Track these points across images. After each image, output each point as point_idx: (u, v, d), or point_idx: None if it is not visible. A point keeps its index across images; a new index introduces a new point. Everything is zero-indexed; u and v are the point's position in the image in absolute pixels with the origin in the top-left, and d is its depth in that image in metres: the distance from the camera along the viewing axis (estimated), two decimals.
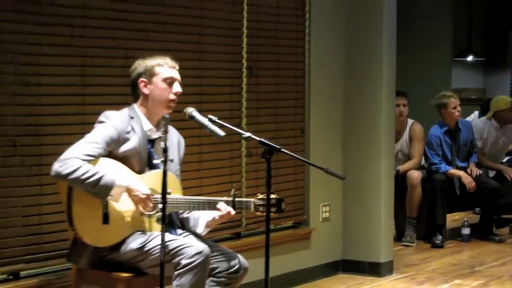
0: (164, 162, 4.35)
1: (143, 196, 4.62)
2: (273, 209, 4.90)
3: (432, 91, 10.84)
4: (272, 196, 4.86)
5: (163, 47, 5.81)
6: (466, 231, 9.43)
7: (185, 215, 5.05)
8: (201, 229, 4.98)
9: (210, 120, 4.75)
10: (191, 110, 4.77)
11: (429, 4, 12.14)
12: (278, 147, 4.65)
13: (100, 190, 4.56)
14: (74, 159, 4.55)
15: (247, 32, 6.75)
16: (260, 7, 6.87)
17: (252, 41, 6.83)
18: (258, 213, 5.13)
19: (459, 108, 9.48)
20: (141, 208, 4.69)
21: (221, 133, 4.68)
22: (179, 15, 6.22)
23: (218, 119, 4.80)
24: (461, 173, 9.30)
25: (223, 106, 6.51)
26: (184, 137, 5.24)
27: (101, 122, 4.78)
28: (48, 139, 5.27)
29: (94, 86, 5.60)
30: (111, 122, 4.77)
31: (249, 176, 6.75)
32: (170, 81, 4.84)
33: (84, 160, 4.57)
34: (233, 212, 4.91)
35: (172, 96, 4.85)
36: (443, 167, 9.33)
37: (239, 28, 6.73)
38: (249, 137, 4.83)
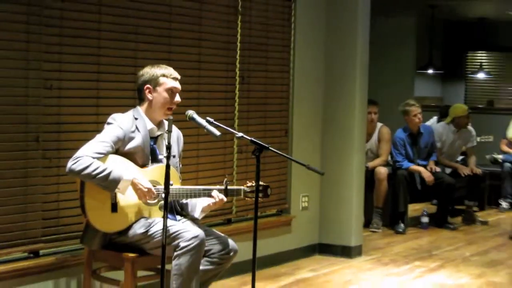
0: (167, 157, 4.29)
1: (145, 190, 4.62)
2: (261, 195, 4.85)
3: (398, 98, 10.84)
4: (262, 183, 4.87)
5: (168, 57, 5.85)
6: (425, 219, 9.49)
7: (183, 201, 5.02)
8: (197, 214, 4.97)
9: (208, 121, 4.77)
10: (191, 113, 4.77)
11: (396, 26, 12.13)
12: (266, 145, 4.67)
13: (109, 184, 4.55)
14: (85, 157, 4.54)
15: (240, 45, 6.74)
16: (252, 24, 6.86)
17: (244, 53, 6.82)
18: (247, 198, 5.12)
19: (419, 116, 9.52)
20: (144, 199, 4.69)
21: (217, 132, 4.70)
22: (182, 30, 6.21)
23: (214, 120, 4.79)
24: (421, 169, 9.35)
25: (219, 109, 6.51)
26: (184, 136, 5.25)
27: (109, 123, 4.78)
28: (66, 135, 5.31)
29: (107, 90, 5.62)
30: (118, 123, 4.76)
31: (240, 170, 6.76)
32: (172, 91, 4.83)
33: (94, 157, 4.56)
34: (225, 199, 4.92)
35: (171, 105, 4.87)
36: (405, 164, 9.38)
37: (233, 42, 6.72)
38: (242, 136, 4.89)
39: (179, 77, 4.96)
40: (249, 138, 4.84)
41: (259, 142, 4.76)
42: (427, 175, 9.29)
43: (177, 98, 4.90)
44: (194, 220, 5.00)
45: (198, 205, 5.03)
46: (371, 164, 9.19)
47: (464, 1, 12.41)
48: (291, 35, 7.38)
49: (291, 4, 7.36)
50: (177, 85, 4.92)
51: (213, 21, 6.55)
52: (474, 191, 10.26)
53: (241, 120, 6.80)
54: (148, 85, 4.85)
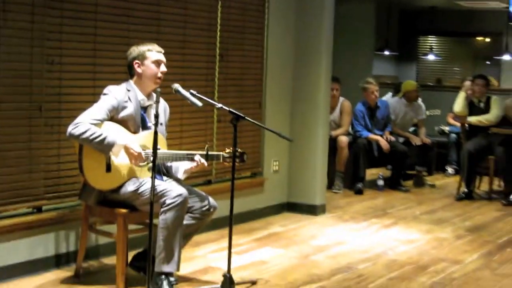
0: (155, 125, 4.32)
1: (136, 154, 4.66)
2: (237, 160, 4.93)
3: (358, 76, 10.83)
4: (239, 149, 4.93)
5: (156, 38, 5.83)
6: (380, 182, 9.56)
7: (168, 164, 5.08)
8: (180, 175, 5.06)
9: (191, 93, 4.82)
10: (177, 86, 4.82)
11: (357, 12, 12.14)
12: (242, 115, 4.76)
13: (104, 147, 4.61)
14: (84, 123, 4.59)
15: (220, 27, 6.75)
16: (230, 9, 6.85)
17: (223, 35, 6.83)
18: (225, 163, 5.18)
19: (376, 93, 9.61)
20: (134, 162, 4.74)
21: (199, 103, 4.76)
22: (169, 13, 6.21)
23: (197, 93, 4.84)
24: (378, 138, 9.45)
25: (201, 84, 6.49)
26: (170, 107, 5.32)
27: (105, 94, 4.84)
28: (66, 105, 5.35)
29: (102, 66, 5.63)
30: (113, 94, 4.82)
31: (219, 137, 6.78)
32: (157, 63, 4.88)
33: (91, 123, 4.62)
34: (206, 163, 4.97)
35: (159, 74, 4.90)
36: (365, 133, 9.47)
37: (214, 24, 6.73)
38: (221, 107, 4.96)
39: (162, 50, 5.01)
40: (228, 108, 4.90)
41: (236, 112, 4.85)
42: (383, 143, 9.37)
43: (163, 68, 4.95)
44: (178, 181, 5.05)
45: (180, 168, 5.11)
46: (334, 133, 9.22)
47: None
48: (265, 19, 7.36)
49: None
50: (162, 57, 4.98)
51: (197, 5, 6.54)
52: (424, 158, 10.35)
53: (220, 94, 6.82)
54: (136, 60, 4.89)
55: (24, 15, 5.09)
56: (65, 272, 5.23)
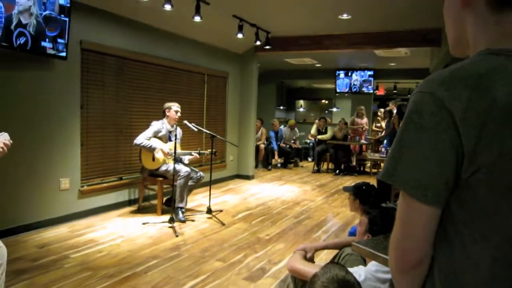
0: (175, 139, 4.55)
1: (166, 152, 4.77)
2: (214, 155, 5.06)
3: (269, 116, 11.25)
4: (214, 150, 5.01)
5: (176, 100, 5.87)
6: (279, 165, 9.78)
7: (181, 156, 5.12)
8: (186, 162, 5.13)
9: (193, 125, 4.85)
10: (186, 121, 4.87)
11: (269, 88, 12.78)
12: (215, 135, 4.90)
13: (151, 149, 4.72)
14: (141, 138, 4.72)
15: (206, 94, 6.75)
16: (211, 84, 6.88)
17: (208, 97, 6.83)
18: (207, 156, 5.30)
19: (277, 125, 9.81)
20: (165, 156, 4.84)
21: (195, 129, 4.82)
22: (182, 87, 6.21)
23: (195, 124, 4.90)
24: (280, 145, 9.67)
25: (196, 120, 6.53)
26: (182, 130, 5.33)
27: (151, 125, 4.90)
28: (133, 130, 5.32)
29: (151, 112, 5.64)
30: (155, 125, 4.90)
31: (205, 145, 6.84)
32: (176, 112, 4.97)
33: (146, 139, 4.73)
34: (198, 156, 5.06)
35: (176, 117, 4.98)
36: (273, 144, 9.69)
37: (203, 92, 6.75)
38: (205, 131, 5.03)
39: (179, 106, 5.01)
40: (209, 132, 5.01)
41: (213, 133, 4.98)
42: (281, 148, 9.68)
43: (179, 114, 4.95)
44: (185, 164, 5.08)
45: (186, 158, 5.14)
46: (258, 143, 9.33)
47: (291, 80, 12.80)
48: (226, 88, 7.46)
49: (226, 80, 7.40)
50: (178, 109, 4.95)
51: (196, 83, 6.58)
52: (301, 152, 10.62)
53: (206, 125, 6.87)
54: (166, 109, 4.96)
55: (112, 87, 5.10)
56: (133, 208, 5.32)
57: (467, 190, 0.74)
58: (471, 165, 0.73)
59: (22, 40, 3.73)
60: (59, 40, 4.08)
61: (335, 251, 2.29)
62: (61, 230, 4.32)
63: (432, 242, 0.79)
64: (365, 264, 1.86)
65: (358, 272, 1.62)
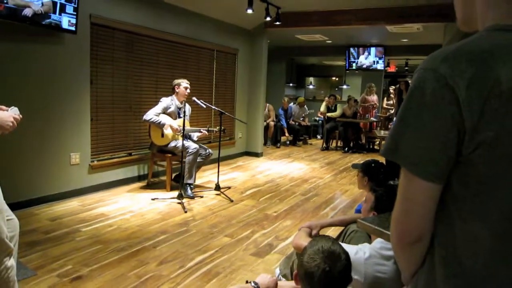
0: (184, 116, 4.56)
1: (175, 128, 4.77)
2: (222, 132, 5.07)
3: (278, 94, 11.35)
4: (223, 127, 5.05)
5: (185, 75, 5.87)
6: (287, 142, 9.85)
7: (190, 133, 5.15)
8: (195, 138, 5.14)
9: (201, 101, 4.91)
10: (194, 98, 4.91)
11: (278, 66, 12.57)
12: (224, 112, 4.91)
13: (160, 125, 4.72)
14: (150, 114, 4.72)
15: (215, 70, 6.73)
16: (220, 59, 6.86)
17: (216, 73, 6.84)
18: (217, 133, 5.29)
19: (286, 103, 9.85)
20: (175, 132, 4.85)
21: (204, 106, 4.87)
22: (192, 63, 6.20)
23: (203, 101, 4.96)
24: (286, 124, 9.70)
25: (205, 97, 6.55)
26: (191, 107, 5.32)
27: (160, 101, 4.90)
28: (142, 106, 5.34)
29: (160, 88, 5.64)
30: (164, 101, 4.89)
31: (214, 122, 6.88)
32: (185, 88, 4.95)
33: (155, 115, 4.73)
34: (207, 133, 5.13)
35: (186, 93, 4.96)
36: (283, 121, 9.73)
37: (212, 68, 6.75)
38: (214, 108, 5.09)
39: (188, 82, 4.99)
40: (217, 108, 5.03)
41: (221, 110, 4.99)
42: (290, 126, 9.68)
43: (188, 91, 4.94)
44: (194, 141, 5.09)
45: (195, 135, 5.16)
46: (268, 120, 9.41)
47: (302, 57, 12.80)
48: (236, 65, 7.45)
49: (235, 56, 7.35)
50: (187, 85, 4.93)
51: (204, 58, 6.55)
52: (309, 130, 10.67)
53: (214, 101, 6.86)
54: (176, 85, 4.95)
55: (122, 62, 5.12)
56: (142, 183, 5.36)
57: (468, 167, 0.75)
58: (472, 142, 0.73)
59: (31, 13, 3.74)
60: (69, 14, 4.09)
61: (341, 228, 2.30)
62: (72, 204, 4.40)
63: (432, 218, 0.80)
64: (370, 241, 1.87)
65: (363, 249, 1.64)
